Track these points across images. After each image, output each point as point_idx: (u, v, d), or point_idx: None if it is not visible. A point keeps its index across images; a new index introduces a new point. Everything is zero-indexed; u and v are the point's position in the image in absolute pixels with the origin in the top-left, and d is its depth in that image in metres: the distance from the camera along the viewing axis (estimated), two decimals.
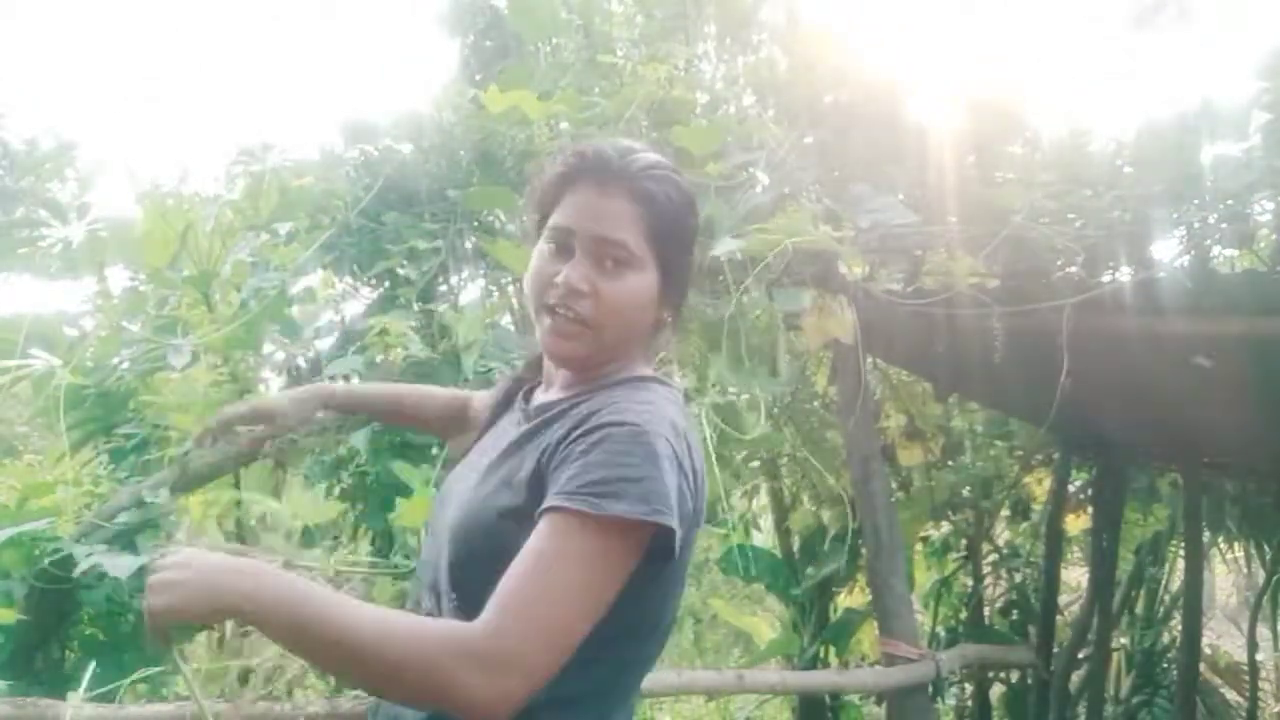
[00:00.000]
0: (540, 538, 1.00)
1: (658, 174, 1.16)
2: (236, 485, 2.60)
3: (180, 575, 0.99)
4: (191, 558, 1.01)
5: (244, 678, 2.19)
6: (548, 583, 0.97)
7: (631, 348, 1.19)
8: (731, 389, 2.35)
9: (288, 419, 1.56)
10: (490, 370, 2.44)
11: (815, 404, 3.92)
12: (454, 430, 1.63)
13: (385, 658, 0.94)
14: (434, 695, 0.96)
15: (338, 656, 0.96)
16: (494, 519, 1.11)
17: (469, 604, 1.03)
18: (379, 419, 1.86)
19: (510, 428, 1.24)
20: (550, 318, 1.14)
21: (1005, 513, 4.54)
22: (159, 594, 0.98)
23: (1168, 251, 2.49)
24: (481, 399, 1.60)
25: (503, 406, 1.33)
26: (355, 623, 0.95)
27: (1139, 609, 4.94)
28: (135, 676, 1.88)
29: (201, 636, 2.46)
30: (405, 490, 1.87)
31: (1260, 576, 5.22)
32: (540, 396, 1.26)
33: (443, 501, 1.25)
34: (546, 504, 1.02)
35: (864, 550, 3.21)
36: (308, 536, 2.76)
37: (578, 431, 1.06)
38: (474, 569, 1.09)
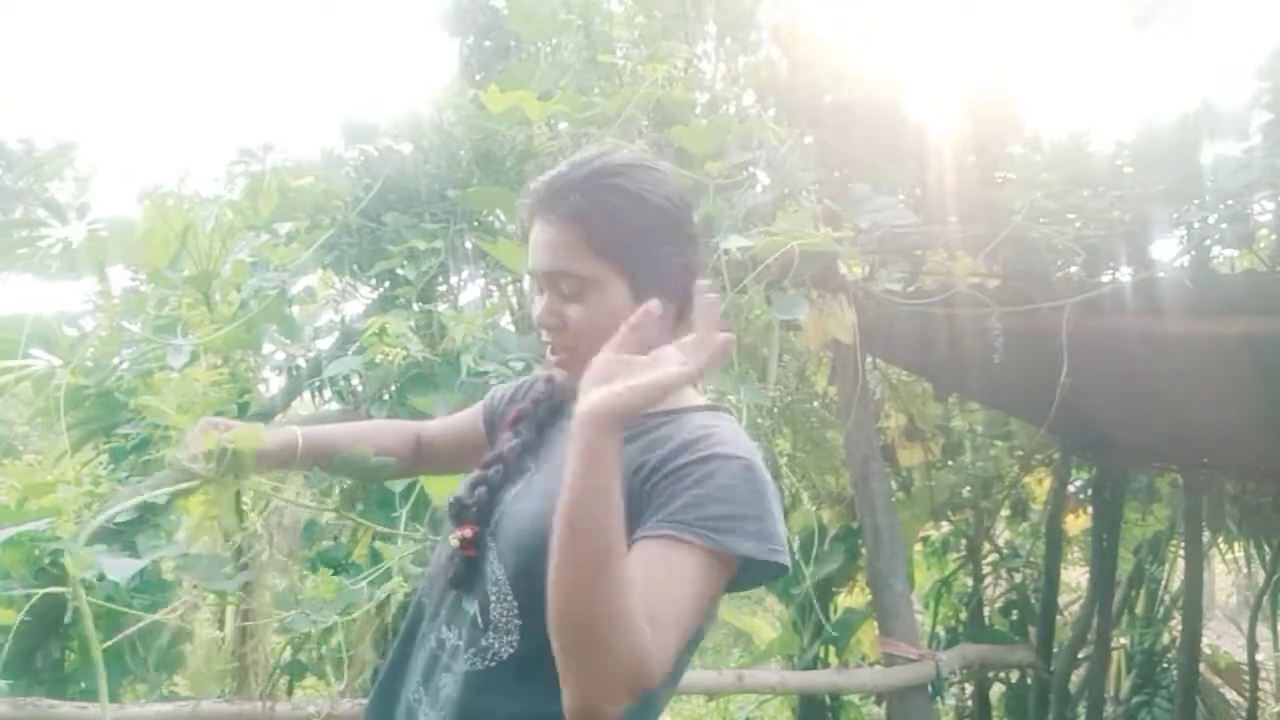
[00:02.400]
0: (660, 563, 0.98)
1: (597, 182, 1.14)
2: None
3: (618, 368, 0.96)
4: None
5: (244, 677, 2.19)
6: (683, 611, 0.97)
7: (640, 354, 1.15)
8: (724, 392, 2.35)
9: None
10: (489, 371, 2.44)
11: (815, 404, 3.92)
12: (413, 465, 1.54)
13: (603, 614, 0.90)
14: (595, 676, 0.92)
15: (581, 581, 0.91)
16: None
17: (532, 614, 1.04)
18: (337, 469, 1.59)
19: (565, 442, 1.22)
20: (549, 352, 1.19)
21: (1005, 513, 4.54)
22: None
23: (1168, 251, 2.50)
24: (441, 425, 1.55)
25: (551, 415, 1.30)
26: (614, 583, 0.91)
27: (1139, 609, 4.94)
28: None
29: (201, 636, 2.46)
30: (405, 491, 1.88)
31: (1260, 576, 5.22)
32: None
33: (486, 510, 1.22)
34: (659, 530, 1.00)
35: (864, 550, 3.21)
36: (308, 533, 2.76)
37: (683, 459, 1.05)
38: (525, 578, 1.10)
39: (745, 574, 1.05)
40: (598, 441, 0.92)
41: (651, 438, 1.10)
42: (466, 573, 1.19)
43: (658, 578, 0.96)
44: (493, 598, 1.13)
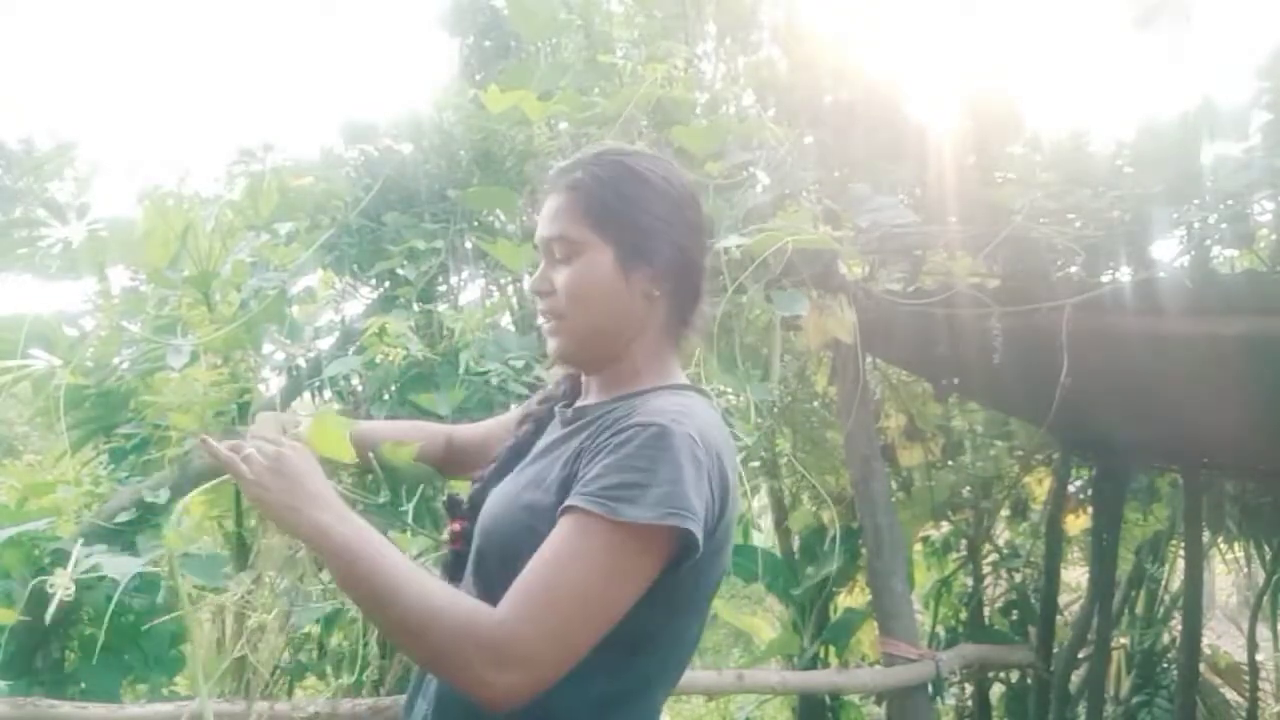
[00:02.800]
0: (558, 537, 1.01)
1: (598, 160, 1.19)
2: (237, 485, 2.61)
3: (275, 481, 1.08)
4: (296, 465, 1.09)
5: (243, 677, 2.18)
6: (562, 582, 0.98)
7: (624, 331, 1.18)
8: (726, 390, 2.35)
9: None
10: (488, 371, 2.43)
11: (815, 404, 3.92)
12: (443, 467, 1.58)
13: (412, 626, 0.99)
14: (444, 672, 1.02)
15: (377, 612, 1.02)
16: (519, 515, 1.12)
17: (487, 596, 1.05)
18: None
19: (550, 435, 1.25)
20: (541, 320, 1.22)
21: (1005, 513, 4.53)
22: (255, 484, 1.08)
23: (1168, 251, 2.49)
24: (472, 429, 1.58)
25: (545, 420, 1.32)
26: (402, 585, 1.00)
27: (1139, 609, 4.94)
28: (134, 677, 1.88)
29: (202, 637, 2.46)
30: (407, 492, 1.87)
31: (1260, 576, 5.22)
32: (580, 404, 1.27)
33: (476, 506, 1.26)
34: (567, 502, 1.03)
35: (864, 550, 3.21)
36: None
37: (608, 432, 1.07)
38: (494, 562, 1.12)
39: (683, 548, 1.02)
40: (290, 527, 1.07)
41: (601, 422, 1.12)
42: (455, 565, 1.23)
43: (547, 552, 1.00)
44: (471, 589, 1.18)
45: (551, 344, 1.21)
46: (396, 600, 0.99)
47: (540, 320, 1.22)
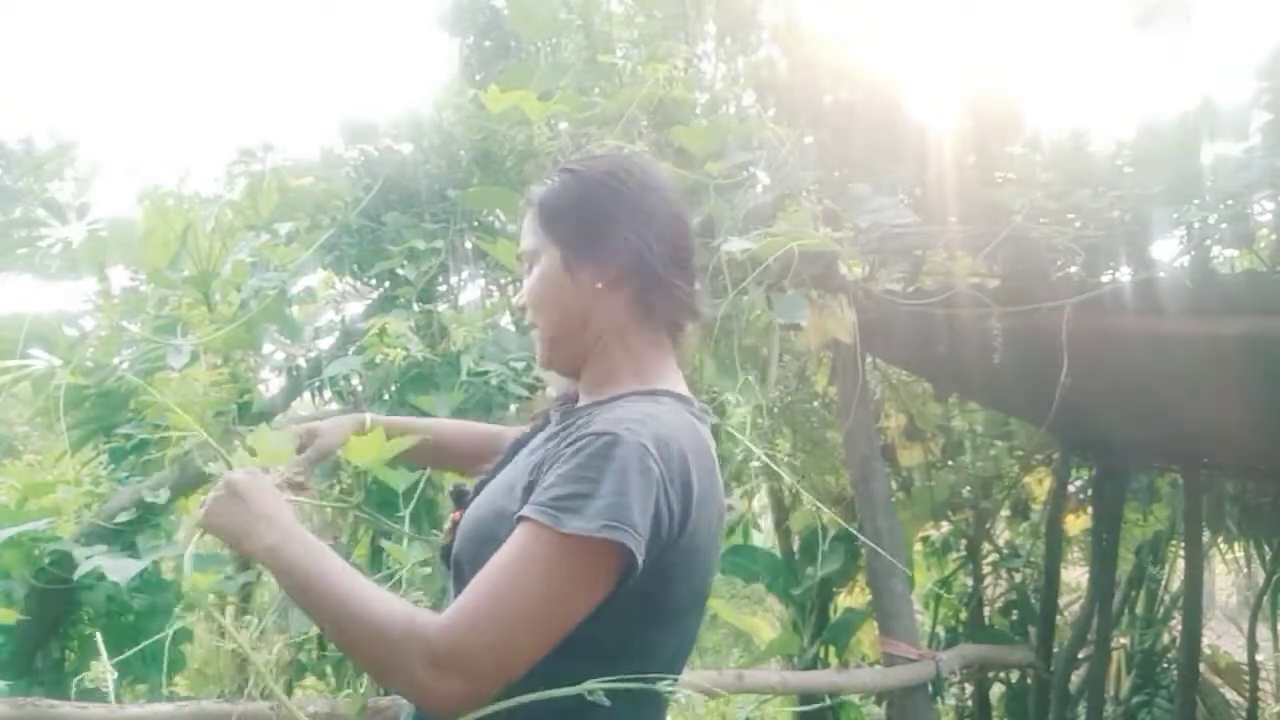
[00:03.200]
0: (509, 546, 1.01)
1: (555, 173, 1.24)
2: None
3: (227, 507, 1.13)
4: (246, 489, 1.13)
5: (243, 676, 2.18)
6: (508, 592, 0.99)
7: (583, 327, 1.19)
8: (726, 393, 2.35)
9: (326, 442, 1.45)
10: (489, 371, 2.43)
11: (815, 404, 3.92)
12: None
13: (358, 636, 1.01)
14: (388, 680, 1.04)
15: (326, 626, 1.05)
16: (489, 520, 1.13)
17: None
18: (416, 456, 1.59)
19: (540, 435, 1.26)
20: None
21: (1005, 513, 4.53)
22: (208, 513, 1.13)
23: (1168, 251, 2.49)
24: (510, 432, 1.57)
25: (547, 419, 1.33)
26: (346, 596, 1.03)
27: (1139, 609, 4.93)
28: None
29: (202, 635, 2.46)
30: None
31: (1260, 576, 5.22)
32: (574, 405, 1.27)
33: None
34: (520, 511, 1.03)
35: (864, 550, 3.21)
36: None
37: (568, 440, 1.07)
38: (466, 566, 1.12)
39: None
40: (242, 551, 1.14)
41: (570, 430, 1.11)
42: (448, 558, 1.24)
43: (497, 561, 1.01)
44: (450, 588, 1.21)
45: (537, 354, 1.27)
46: (341, 613, 1.02)
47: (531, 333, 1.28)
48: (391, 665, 0.99)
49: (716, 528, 1.16)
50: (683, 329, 1.23)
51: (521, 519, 1.02)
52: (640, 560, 0.99)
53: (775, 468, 2.25)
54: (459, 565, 1.17)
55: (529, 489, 1.08)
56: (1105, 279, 2.49)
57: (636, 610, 1.06)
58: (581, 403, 1.23)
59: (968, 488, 4.15)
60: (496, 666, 0.97)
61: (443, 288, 2.88)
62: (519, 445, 1.29)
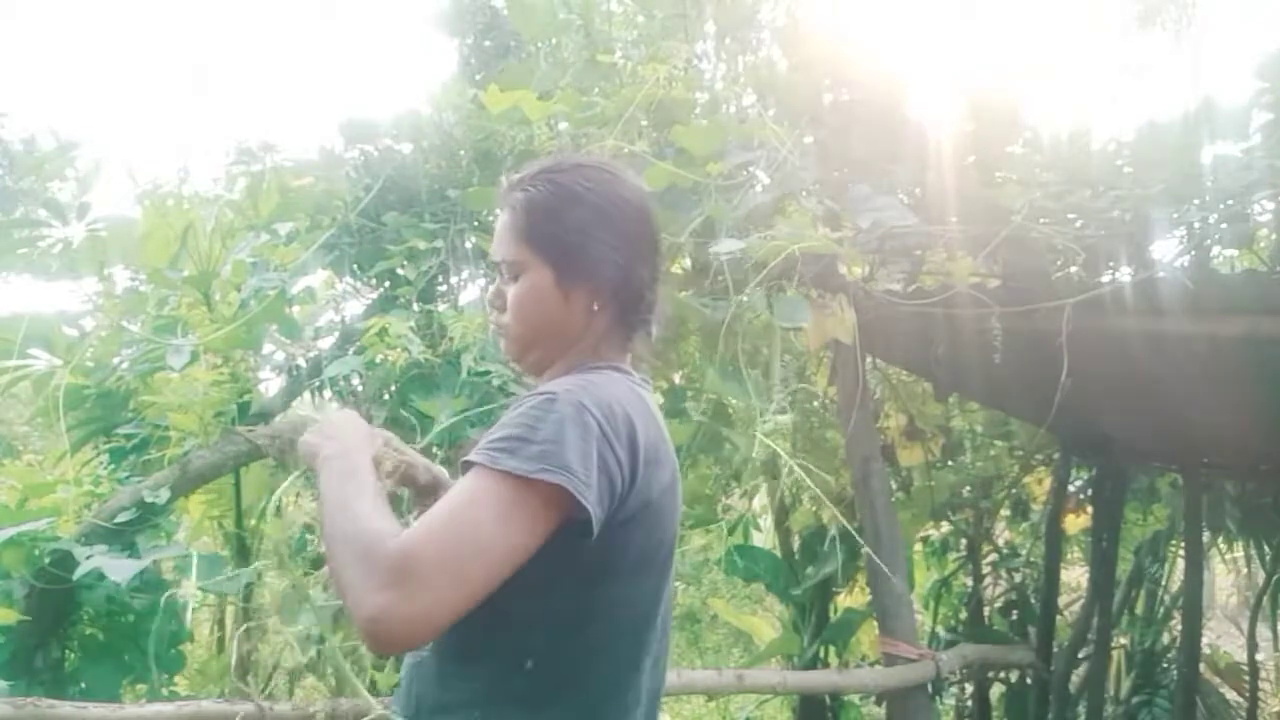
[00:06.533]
0: (455, 487, 1.07)
1: (540, 178, 1.24)
2: (237, 485, 2.61)
3: (317, 436, 1.21)
4: (342, 420, 1.24)
5: (243, 676, 2.19)
6: (456, 519, 1.02)
7: (565, 339, 1.24)
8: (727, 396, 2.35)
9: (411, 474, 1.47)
10: (489, 371, 2.43)
11: (815, 404, 3.92)
12: None
13: (335, 537, 1.05)
14: (342, 588, 1.03)
15: (328, 538, 1.07)
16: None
17: None
18: None
19: None
20: (494, 331, 1.33)
21: (1005, 513, 4.53)
22: (302, 445, 1.22)
23: (1168, 251, 2.49)
24: None
25: None
26: (346, 505, 1.08)
27: (1139, 609, 4.93)
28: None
29: (202, 636, 2.45)
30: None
31: (1260, 576, 5.22)
32: None
33: None
34: (466, 458, 1.08)
35: (864, 550, 3.21)
36: (308, 532, 2.76)
37: (513, 406, 1.14)
38: None
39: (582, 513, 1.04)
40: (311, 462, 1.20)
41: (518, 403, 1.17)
42: None
43: (447, 497, 1.06)
44: None
45: (504, 352, 1.31)
46: (335, 517, 1.07)
47: (492, 328, 1.31)
48: (349, 570, 1.01)
49: (671, 490, 1.19)
50: (648, 336, 1.29)
51: (466, 464, 1.07)
52: (590, 503, 1.03)
53: (808, 480, 2.24)
54: None
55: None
56: (1105, 279, 2.49)
57: (595, 566, 1.11)
58: None
59: (968, 487, 4.15)
60: (448, 583, 0.99)
61: (443, 288, 2.88)
62: None
